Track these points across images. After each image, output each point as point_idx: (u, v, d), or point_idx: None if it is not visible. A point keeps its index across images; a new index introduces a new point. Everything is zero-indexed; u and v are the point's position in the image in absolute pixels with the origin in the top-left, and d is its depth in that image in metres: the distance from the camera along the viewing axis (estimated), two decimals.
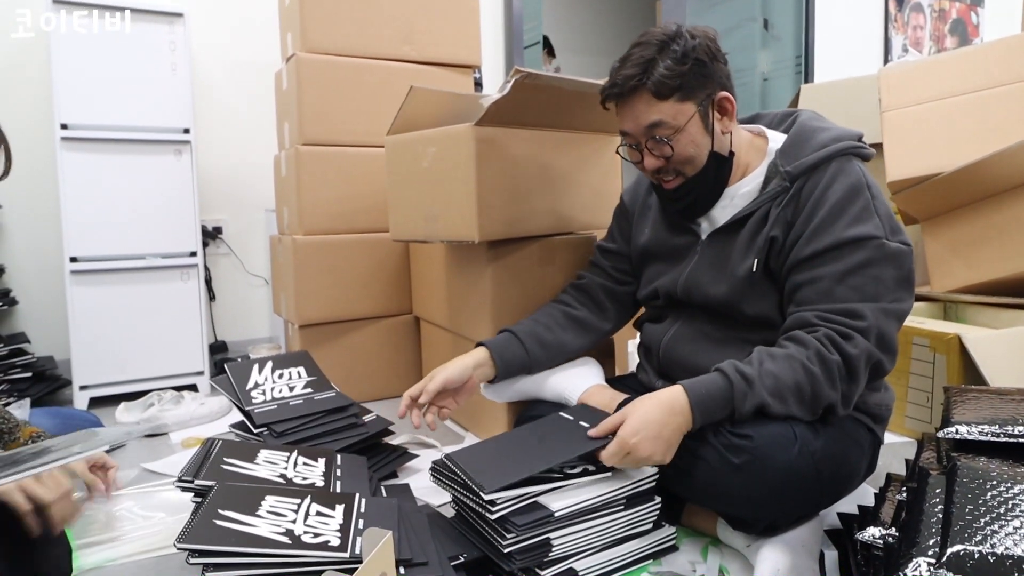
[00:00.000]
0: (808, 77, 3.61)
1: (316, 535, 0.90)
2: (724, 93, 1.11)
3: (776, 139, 1.17)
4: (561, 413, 1.16)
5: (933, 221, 1.90)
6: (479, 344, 1.30)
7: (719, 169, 1.14)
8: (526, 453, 1.02)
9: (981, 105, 1.85)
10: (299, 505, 0.98)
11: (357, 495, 1.05)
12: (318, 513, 0.97)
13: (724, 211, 1.18)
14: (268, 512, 0.94)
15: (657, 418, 0.97)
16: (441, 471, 1.08)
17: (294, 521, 0.93)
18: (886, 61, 3.82)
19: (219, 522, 0.90)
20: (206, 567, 0.84)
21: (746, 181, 1.16)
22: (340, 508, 0.99)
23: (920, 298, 1.93)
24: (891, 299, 1.02)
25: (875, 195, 1.06)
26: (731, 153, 1.15)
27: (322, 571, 0.67)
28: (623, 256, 1.37)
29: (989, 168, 1.70)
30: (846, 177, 1.05)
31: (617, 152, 1.21)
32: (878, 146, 1.98)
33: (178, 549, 0.85)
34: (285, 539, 0.88)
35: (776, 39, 3.69)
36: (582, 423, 1.08)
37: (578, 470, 1.01)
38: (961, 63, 1.93)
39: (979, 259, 1.80)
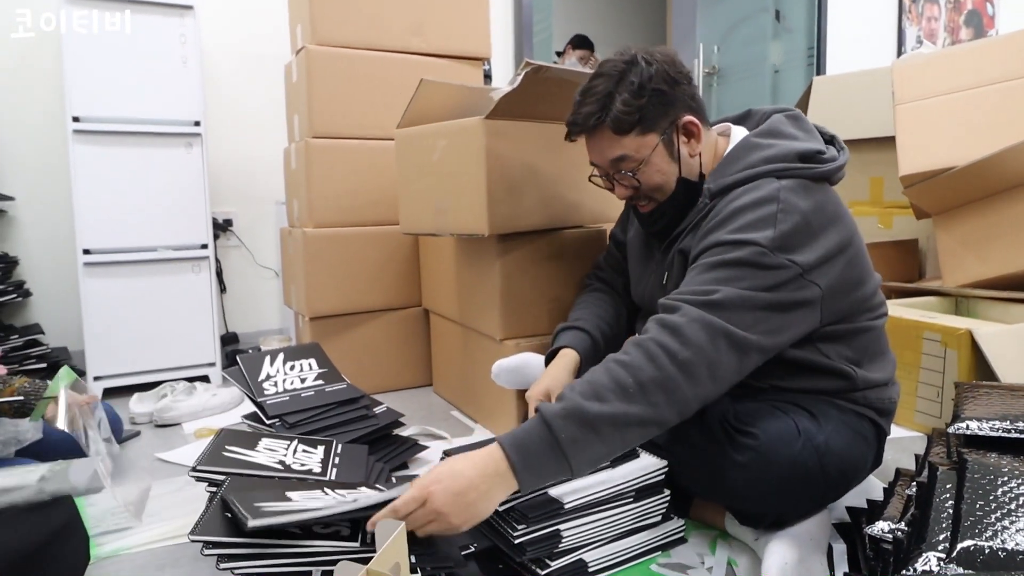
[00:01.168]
0: (820, 69, 3.58)
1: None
2: (688, 117, 1.08)
3: (734, 142, 1.12)
4: None
5: (946, 215, 1.89)
6: (564, 346, 1.25)
7: (688, 192, 1.11)
8: None
9: (995, 99, 1.83)
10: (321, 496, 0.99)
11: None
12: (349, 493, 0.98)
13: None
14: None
15: (465, 473, 0.85)
16: None
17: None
18: (900, 53, 3.78)
19: (229, 514, 0.91)
20: (220, 558, 0.85)
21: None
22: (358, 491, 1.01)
23: (932, 292, 1.92)
24: (748, 298, 0.93)
25: (785, 210, 0.96)
26: (701, 176, 1.12)
27: (336, 561, 0.68)
28: (624, 246, 1.39)
29: (1002, 163, 1.69)
30: (757, 191, 0.99)
31: (590, 180, 1.20)
32: (889, 140, 1.97)
33: (191, 541, 0.86)
34: (296, 529, 0.89)
35: (788, 30, 3.66)
36: None
37: None
38: (975, 56, 1.91)
39: (991, 254, 1.79)
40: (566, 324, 1.31)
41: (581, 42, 4.03)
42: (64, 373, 1.30)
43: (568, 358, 1.24)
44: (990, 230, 1.79)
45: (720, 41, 3.74)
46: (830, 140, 1.12)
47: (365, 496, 0.90)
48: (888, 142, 2.01)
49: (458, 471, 0.85)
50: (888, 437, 1.14)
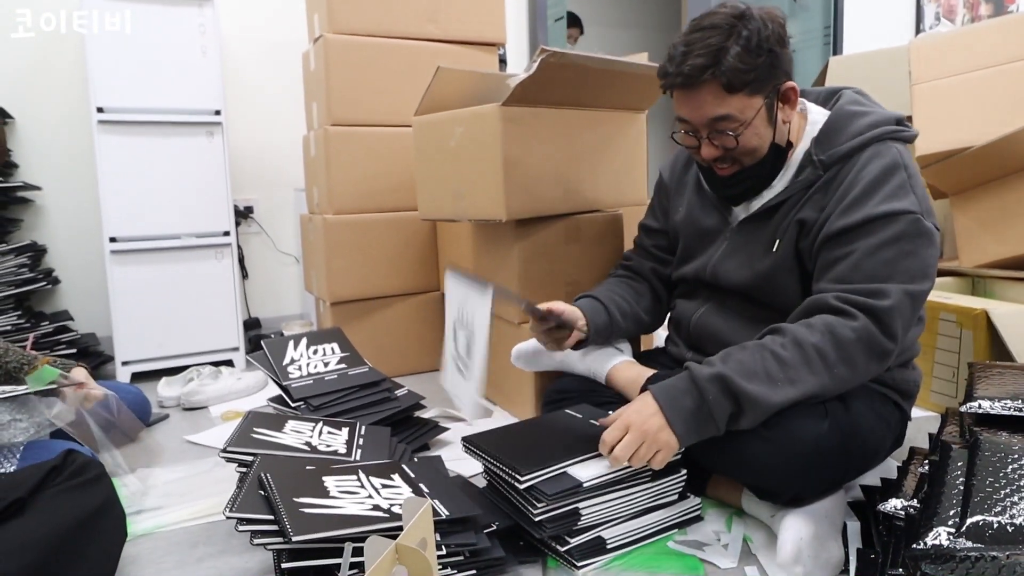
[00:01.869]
0: (837, 47, 3.54)
1: (373, 504, 0.95)
2: (790, 83, 1.06)
3: (816, 119, 1.14)
4: (568, 411, 1.20)
5: (962, 195, 1.88)
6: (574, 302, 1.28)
7: (776, 159, 1.11)
8: (552, 445, 1.07)
9: (1012, 78, 1.81)
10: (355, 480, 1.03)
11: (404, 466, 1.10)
12: (384, 486, 1.02)
13: (759, 200, 1.16)
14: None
15: (652, 405, 0.99)
16: (472, 447, 1.12)
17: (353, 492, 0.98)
18: (918, 30, 3.72)
19: (264, 492, 0.95)
20: (253, 534, 0.89)
21: (784, 170, 1.13)
22: (394, 477, 1.04)
23: (948, 273, 1.92)
24: (920, 278, 1.01)
25: (912, 175, 1.04)
26: (789, 143, 1.12)
27: (366, 535, 0.71)
28: (664, 234, 1.36)
29: (1019, 143, 1.68)
30: (881, 159, 1.04)
31: (672, 137, 1.15)
32: (908, 119, 1.96)
33: (227, 518, 0.90)
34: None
35: (804, 8, 3.62)
36: (592, 422, 1.14)
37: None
38: (992, 35, 1.89)
39: (1008, 233, 1.78)
40: (582, 294, 1.34)
41: (571, 21, 4.02)
42: (45, 374, 1.32)
43: (578, 309, 1.26)
44: (1007, 210, 1.79)
45: None
46: None
47: (405, 501, 0.92)
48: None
49: (645, 407, 0.98)
50: None
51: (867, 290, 0.99)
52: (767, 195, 1.15)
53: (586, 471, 1.01)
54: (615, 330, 1.30)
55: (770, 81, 1.03)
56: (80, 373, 1.41)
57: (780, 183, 1.14)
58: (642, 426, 0.97)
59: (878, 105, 1.13)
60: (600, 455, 1.02)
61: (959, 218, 1.89)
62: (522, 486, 0.99)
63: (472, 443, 1.13)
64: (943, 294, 1.68)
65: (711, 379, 0.97)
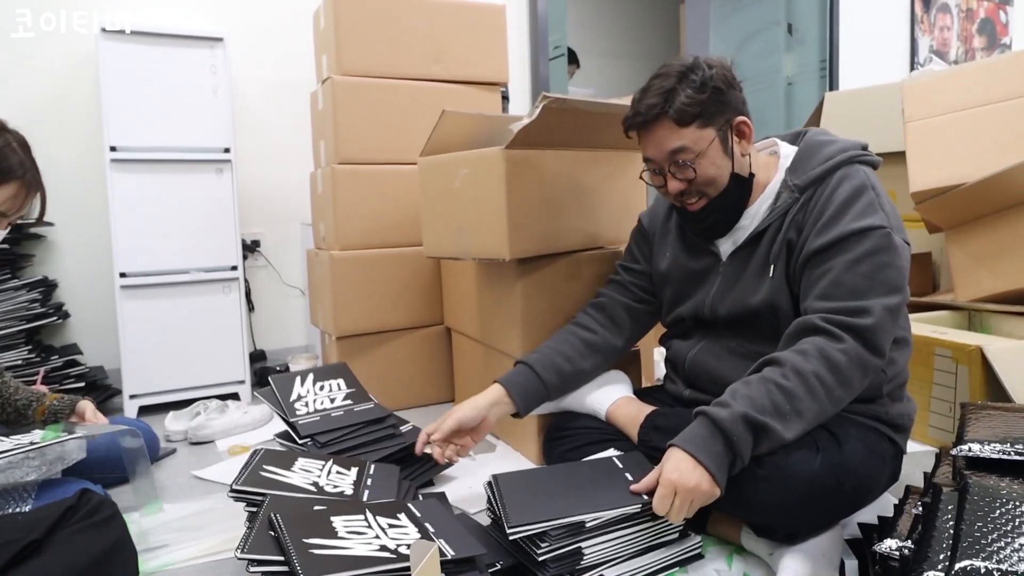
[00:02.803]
0: (833, 81, 3.61)
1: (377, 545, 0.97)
2: (742, 118, 1.18)
3: (787, 154, 1.23)
4: (614, 458, 1.20)
5: (957, 230, 1.92)
6: (496, 381, 1.34)
7: (740, 189, 1.20)
8: (566, 495, 1.08)
9: (1004, 116, 1.86)
10: (360, 519, 1.05)
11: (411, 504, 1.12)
12: (390, 526, 1.04)
13: (743, 231, 1.23)
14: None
15: (688, 459, 1.01)
16: (490, 487, 1.14)
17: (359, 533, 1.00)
18: (912, 63, 3.80)
19: (274, 533, 0.97)
20: (265, 575, 0.91)
21: (761, 200, 1.22)
22: (397, 517, 1.07)
23: (944, 307, 1.95)
24: (895, 290, 1.07)
25: (879, 194, 1.12)
26: (751, 175, 1.21)
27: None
28: (644, 274, 1.42)
29: (1012, 179, 1.72)
30: (850, 180, 1.12)
31: (641, 178, 1.26)
32: (902, 155, 2.00)
33: (238, 559, 0.92)
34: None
35: (800, 43, 3.70)
36: (628, 475, 1.13)
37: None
38: (984, 74, 1.94)
39: (1004, 268, 1.82)
40: (521, 358, 1.37)
41: (568, 57, 4.10)
42: (52, 433, 1.31)
43: (488, 395, 1.31)
44: (1002, 245, 1.82)
45: (733, 54, 3.78)
46: None
47: (413, 544, 0.93)
48: (900, 156, 2.05)
49: (684, 458, 1.00)
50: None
51: (850, 309, 1.04)
52: (750, 225, 1.22)
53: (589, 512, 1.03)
54: (552, 392, 1.35)
55: (720, 115, 1.15)
56: (85, 407, 1.44)
57: (760, 213, 1.21)
58: (687, 484, 0.98)
59: (843, 138, 1.23)
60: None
61: (954, 252, 1.93)
62: (509, 536, 1.00)
63: (493, 482, 1.14)
64: (939, 329, 1.70)
65: (733, 420, 1.00)
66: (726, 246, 1.27)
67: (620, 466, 1.17)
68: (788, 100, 3.71)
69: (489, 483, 1.13)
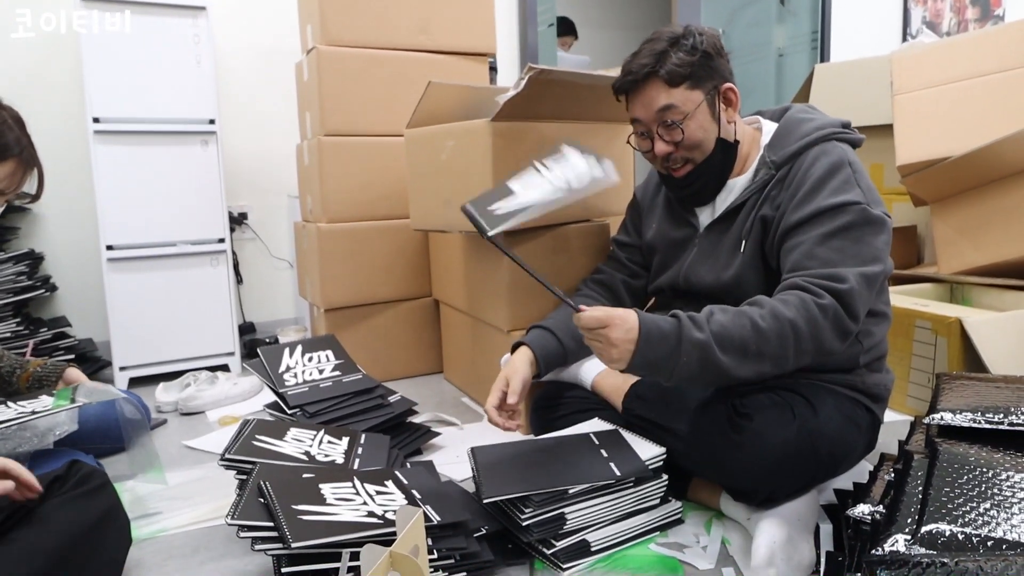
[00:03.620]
0: (824, 52, 3.59)
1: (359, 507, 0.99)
2: (729, 84, 1.19)
3: (769, 130, 1.24)
4: (591, 434, 1.22)
5: (942, 203, 1.94)
6: (519, 343, 1.33)
7: (725, 155, 1.21)
8: (539, 468, 1.11)
9: (992, 89, 1.86)
10: (349, 486, 1.07)
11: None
12: (378, 492, 1.06)
13: (723, 203, 1.25)
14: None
15: (631, 344, 1.00)
16: (471, 457, 1.17)
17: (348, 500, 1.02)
18: (904, 35, 3.78)
19: (263, 499, 0.99)
20: (255, 540, 0.93)
21: (743, 174, 1.23)
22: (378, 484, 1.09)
23: (927, 279, 1.98)
24: (871, 261, 1.07)
25: (856, 171, 1.12)
26: (736, 141, 1.22)
27: (363, 542, 0.75)
28: (637, 249, 1.44)
29: (998, 152, 1.73)
30: (827, 156, 1.13)
31: (628, 142, 1.27)
32: (891, 128, 2.01)
33: (229, 525, 0.94)
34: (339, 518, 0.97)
35: (792, 14, 3.67)
36: (603, 452, 1.15)
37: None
38: (972, 47, 1.94)
39: (986, 241, 1.84)
40: (537, 323, 1.38)
41: (565, 29, 4.06)
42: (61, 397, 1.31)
43: (524, 355, 1.30)
44: (985, 218, 1.84)
45: (724, 25, 3.75)
46: None
47: (399, 509, 0.94)
48: (888, 130, 2.06)
49: (628, 326, 1.00)
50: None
51: (825, 275, 1.05)
52: (728, 198, 1.23)
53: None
54: (569, 357, 1.36)
55: (708, 80, 1.17)
56: (73, 373, 1.44)
57: (739, 187, 1.22)
58: (613, 343, 1.00)
59: (825, 115, 1.23)
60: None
61: (938, 226, 1.95)
62: (523, 520, 1.03)
63: (472, 453, 1.17)
64: (920, 301, 1.73)
65: (695, 345, 0.99)
66: (704, 217, 1.28)
67: (596, 442, 1.19)
68: (779, 71, 3.69)
69: (469, 453, 1.17)
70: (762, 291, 1.16)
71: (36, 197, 1.33)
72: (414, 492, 1.08)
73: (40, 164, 1.27)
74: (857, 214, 1.08)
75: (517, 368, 1.27)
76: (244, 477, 1.15)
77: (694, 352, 1.00)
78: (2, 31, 2.19)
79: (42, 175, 1.29)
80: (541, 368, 1.32)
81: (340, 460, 1.23)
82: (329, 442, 1.30)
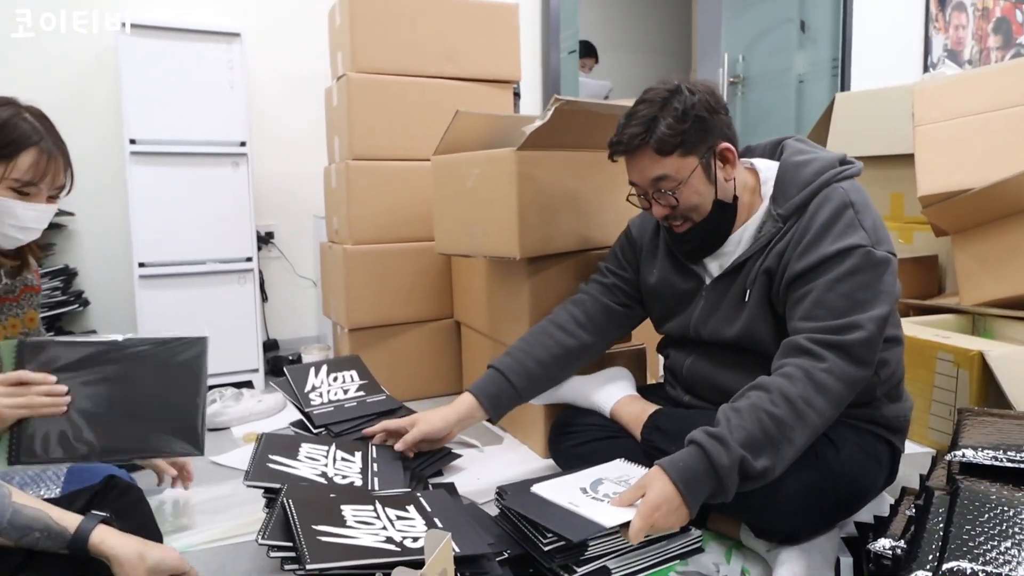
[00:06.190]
0: (845, 79, 3.60)
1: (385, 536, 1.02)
2: (725, 144, 1.18)
3: (767, 176, 1.23)
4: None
5: (963, 235, 1.94)
6: (467, 390, 1.36)
7: (723, 215, 1.21)
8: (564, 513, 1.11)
9: (1015, 121, 1.87)
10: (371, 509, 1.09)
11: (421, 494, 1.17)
12: (399, 517, 1.08)
13: (730, 256, 1.24)
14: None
15: (675, 495, 1.00)
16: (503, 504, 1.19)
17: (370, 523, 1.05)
18: (926, 62, 3.79)
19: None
20: (284, 560, 0.96)
21: (748, 225, 1.22)
22: (407, 508, 1.11)
23: (949, 310, 1.97)
24: (881, 302, 1.07)
25: (859, 210, 1.12)
26: (735, 198, 1.21)
27: (393, 565, 0.78)
28: (628, 280, 1.42)
29: (1020, 185, 1.73)
30: (829, 203, 1.12)
31: (628, 200, 1.28)
32: (911, 157, 2.02)
33: (259, 544, 0.97)
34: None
35: (813, 40, 3.69)
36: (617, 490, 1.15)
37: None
38: (994, 79, 1.95)
39: (1008, 273, 1.83)
40: (493, 361, 1.38)
41: (585, 51, 4.11)
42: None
43: (461, 406, 1.34)
44: (1007, 250, 1.84)
45: (745, 50, 3.78)
46: None
47: (420, 538, 0.96)
48: (909, 159, 2.06)
49: (669, 494, 1.00)
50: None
51: (834, 327, 1.05)
52: (735, 252, 1.23)
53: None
54: (523, 395, 1.37)
55: (702, 143, 1.16)
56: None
57: (745, 240, 1.22)
58: (665, 523, 1.00)
59: (819, 148, 1.23)
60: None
61: (960, 256, 1.95)
62: (545, 546, 1.05)
63: (504, 498, 1.18)
64: (941, 332, 1.73)
65: (731, 467, 0.99)
66: (712, 268, 1.28)
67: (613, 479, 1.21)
68: (799, 98, 3.71)
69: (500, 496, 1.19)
70: (773, 340, 1.17)
71: (68, 191, 1.31)
72: (436, 520, 1.09)
73: (68, 156, 1.20)
74: (862, 257, 1.07)
75: (432, 418, 1.33)
76: (272, 496, 1.17)
77: (733, 474, 0.99)
78: (47, 54, 2.27)
79: (71, 168, 1.25)
80: (491, 412, 1.34)
81: (358, 482, 1.25)
82: (343, 459, 1.31)
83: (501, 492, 1.19)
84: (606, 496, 1.12)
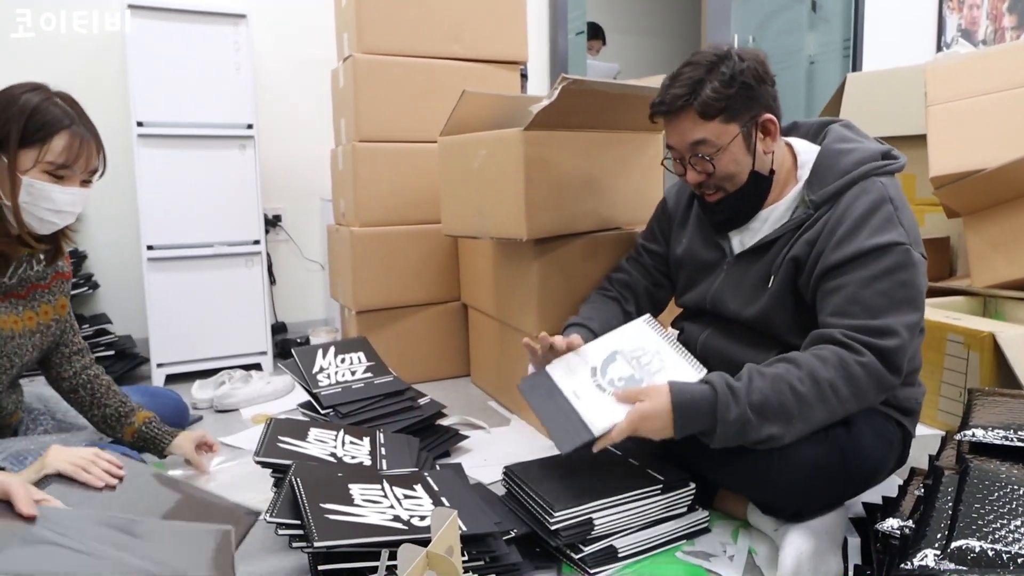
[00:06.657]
0: (856, 60, 3.56)
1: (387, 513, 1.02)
2: (768, 115, 1.15)
3: (806, 159, 1.20)
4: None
5: (975, 216, 1.92)
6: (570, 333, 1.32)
7: (758, 187, 1.18)
8: (585, 482, 1.14)
9: None
10: (377, 488, 1.10)
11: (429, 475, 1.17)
12: (406, 496, 1.09)
13: (755, 233, 1.22)
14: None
15: (667, 417, 1.02)
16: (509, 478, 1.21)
17: (375, 502, 1.05)
18: (939, 43, 3.73)
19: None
20: (292, 537, 0.97)
21: (779, 205, 1.20)
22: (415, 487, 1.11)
23: (960, 292, 1.96)
24: (916, 307, 1.06)
25: (898, 207, 1.09)
26: (772, 172, 1.19)
27: (400, 543, 0.78)
28: (663, 257, 1.43)
29: None
30: (867, 195, 1.09)
31: (663, 164, 1.27)
32: (924, 138, 1.99)
33: (268, 522, 0.98)
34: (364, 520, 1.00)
35: (824, 21, 3.64)
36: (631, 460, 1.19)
37: None
38: (1007, 59, 1.92)
39: (1020, 255, 1.81)
40: (575, 320, 1.37)
41: (593, 33, 4.07)
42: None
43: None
44: (1019, 232, 1.82)
45: (755, 31, 3.73)
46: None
47: (427, 516, 0.97)
48: (921, 140, 2.03)
49: (657, 417, 1.03)
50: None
51: (871, 328, 1.03)
52: (762, 230, 1.21)
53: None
54: None
55: (746, 112, 1.13)
56: (185, 444, 1.42)
57: (774, 220, 1.20)
58: (644, 430, 1.03)
59: (866, 138, 1.19)
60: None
61: (971, 238, 1.93)
62: (541, 496, 1.05)
63: (510, 475, 1.20)
64: (952, 314, 1.71)
65: (732, 423, 1.00)
66: (736, 243, 1.26)
67: (619, 452, 1.23)
68: (809, 79, 3.67)
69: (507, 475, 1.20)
70: (789, 327, 1.16)
71: (101, 174, 1.31)
72: (443, 499, 1.10)
73: (99, 139, 1.23)
74: (901, 255, 1.05)
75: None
76: (280, 475, 1.18)
77: (732, 428, 1.01)
78: (55, 38, 2.26)
79: (103, 152, 1.26)
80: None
81: (367, 462, 1.26)
82: (352, 443, 1.32)
83: (508, 472, 1.20)
84: (611, 383, 1.13)
